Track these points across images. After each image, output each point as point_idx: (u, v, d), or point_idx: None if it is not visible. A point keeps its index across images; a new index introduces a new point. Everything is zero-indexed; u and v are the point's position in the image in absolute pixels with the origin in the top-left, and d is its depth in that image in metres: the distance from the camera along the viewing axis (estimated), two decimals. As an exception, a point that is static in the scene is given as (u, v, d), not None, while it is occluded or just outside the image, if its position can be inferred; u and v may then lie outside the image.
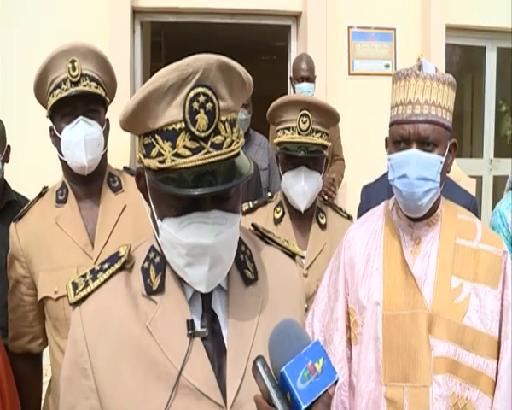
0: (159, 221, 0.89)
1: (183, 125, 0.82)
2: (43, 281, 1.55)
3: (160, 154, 0.84)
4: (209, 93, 0.83)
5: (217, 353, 0.92)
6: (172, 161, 0.83)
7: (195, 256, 0.86)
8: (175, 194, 0.83)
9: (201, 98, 0.82)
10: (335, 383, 0.77)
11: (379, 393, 1.32)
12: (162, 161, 0.84)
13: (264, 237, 1.10)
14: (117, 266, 0.96)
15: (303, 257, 1.17)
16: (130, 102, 0.85)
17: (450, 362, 1.29)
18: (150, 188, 0.91)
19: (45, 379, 1.79)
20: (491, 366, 1.31)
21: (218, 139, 0.84)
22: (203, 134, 0.83)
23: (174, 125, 0.83)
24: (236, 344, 0.92)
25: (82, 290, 0.94)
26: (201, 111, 0.82)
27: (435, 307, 1.32)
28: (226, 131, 0.86)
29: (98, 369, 0.90)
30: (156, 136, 0.85)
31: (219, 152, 0.84)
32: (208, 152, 0.83)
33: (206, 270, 0.87)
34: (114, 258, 0.98)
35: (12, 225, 1.61)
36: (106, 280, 0.95)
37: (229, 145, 0.86)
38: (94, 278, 0.95)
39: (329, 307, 1.48)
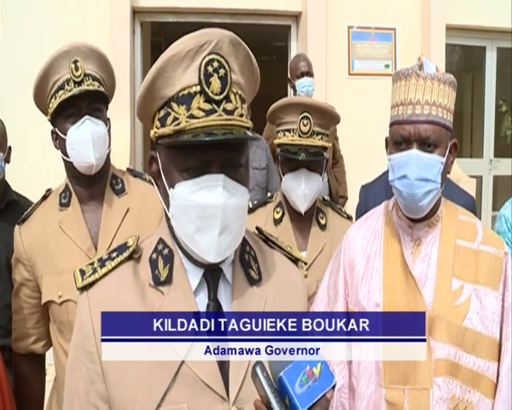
0: (171, 190, 0.90)
1: (198, 88, 0.87)
2: (47, 285, 1.55)
3: (175, 119, 0.88)
4: (222, 60, 0.88)
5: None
6: (187, 121, 0.87)
7: (206, 219, 0.87)
8: (188, 142, 0.86)
9: (215, 64, 0.88)
10: (333, 387, 0.79)
11: (379, 395, 1.31)
12: (177, 124, 0.88)
13: (268, 240, 1.11)
14: (125, 254, 0.97)
15: (306, 263, 1.18)
16: (149, 73, 0.90)
17: (450, 364, 1.28)
18: (163, 163, 0.92)
19: (48, 378, 1.78)
20: (492, 368, 1.30)
21: (229, 106, 0.89)
22: (216, 97, 0.88)
23: (189, 89, 0.88)
24: None
25: (90, 276, 0.95)
26: (215, 75, 0.88)
27: (435, 309, 1.31)
28: (237, 103, 0.90)
29: None
30: (172, 103, 0.89)
31: (230, 117, 0.88)
32: (221, 115, 0.87)
33: (216, 234, 0.87)
34: (122, 247, 0.98)
35: (16, 228, 1.61)
36: (114, 268, 0.96)
37: (240, 116, 0.90)
38: (102, 266, 0.96)
39: (329, 308, 1.47)
